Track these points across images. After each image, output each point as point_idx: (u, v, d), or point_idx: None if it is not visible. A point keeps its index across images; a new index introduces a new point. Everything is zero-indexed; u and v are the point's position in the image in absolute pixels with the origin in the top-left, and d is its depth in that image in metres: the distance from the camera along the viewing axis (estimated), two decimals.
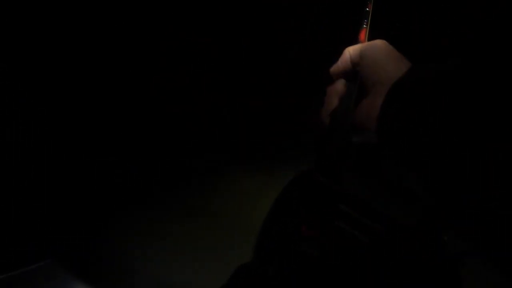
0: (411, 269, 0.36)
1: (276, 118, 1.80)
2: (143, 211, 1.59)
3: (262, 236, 0.40)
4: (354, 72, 0.55)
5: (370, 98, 0.49)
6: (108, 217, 1.48)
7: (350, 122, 0.51)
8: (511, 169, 0.32)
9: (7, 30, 1.50)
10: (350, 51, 0.55)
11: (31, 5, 1.49)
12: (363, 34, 0.58)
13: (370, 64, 0.50)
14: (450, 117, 0.35)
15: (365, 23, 0.58)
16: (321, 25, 1.68)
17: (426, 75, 0.40)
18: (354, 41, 0.59)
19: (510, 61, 0.34)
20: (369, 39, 0.57)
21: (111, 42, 1.66)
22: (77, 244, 1.37)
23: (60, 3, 1.53)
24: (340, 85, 0.55)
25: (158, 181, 1.69)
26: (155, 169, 1.71)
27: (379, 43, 0.52)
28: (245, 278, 0.38)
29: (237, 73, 1.75)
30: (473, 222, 0.35)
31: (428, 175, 0.38)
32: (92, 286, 1.33)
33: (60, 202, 1.51)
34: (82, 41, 1.63)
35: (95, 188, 1.57)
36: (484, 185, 0.34)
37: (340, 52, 0.57)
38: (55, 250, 1.33)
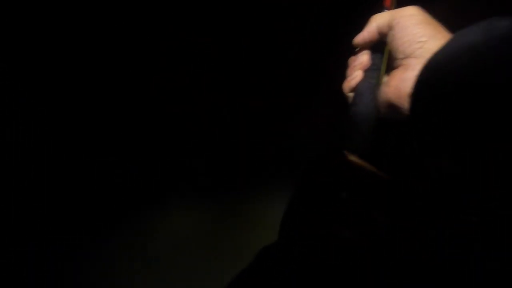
0: (411, 269, 0.35)
1: (276, 118, 1.79)
2: (143, 211, 1.58)
3: (290, 218, 0.37)
4: (381, 43, 0.50)
5: (400, 72, 0.44)
6: (108, 217, 1.48)
7: (375, 97, 0.47)
8: (511, 169, 0.32)
9: (7, 30, 1.50)
10: (378, 20, 0.50)
11: (31, 5, 1.49)
12: (389, 0, 0.52)
13: (401, 34, 0.45)
14: (456, 112, 0.33)
15: None
16: (321, 25, 1.68)
17: (467, 52, 0.35)
18: (379, 8, 0.52)
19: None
20: (396, 6, 0.51)
21: (111, 42, 1.65)
22: (77, 244, 1.36)
23: (60, 3, 1.52)
24: (364, 57, 0.51)
25: (158, 182, 1.68)
26: (155, 169, 1.71)
27: (412, 10, 0.46)
28: (272, 260, 0.35)
29: (237, 73, 1.74)
30: (473, 222, 0.34)
31: (453, 162, 0.34)
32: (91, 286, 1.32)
33: (60, 202, 1.51)
34: (82, 41, 1.62)
35: (95, 188, 1.57)
36: (484, 185, 0.33)
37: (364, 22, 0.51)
38: (55, 250, 1.33)
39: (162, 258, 1.39)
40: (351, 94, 0.50)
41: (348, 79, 0.50)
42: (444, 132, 0.34)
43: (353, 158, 0.40)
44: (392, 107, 0.45)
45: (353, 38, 0.52)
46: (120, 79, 1.67)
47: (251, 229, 1.41)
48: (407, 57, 0.43)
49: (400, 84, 0.43)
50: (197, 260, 1.39)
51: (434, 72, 0.37)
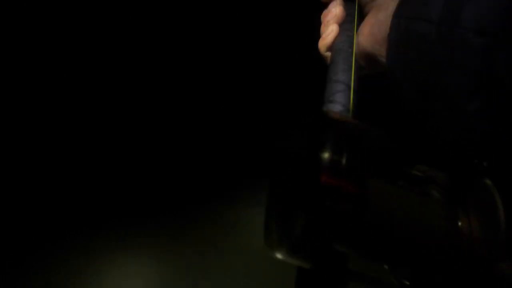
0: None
1: (276, 119, 1.75)
2: (145, 213, 1.55)
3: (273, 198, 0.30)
4: None
5: (372, 15, 0.39)
6: (108, 221, 1.45)
7: (354, 51, 0.40)
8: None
9: (7, 30, 1.50)
10: None
11: (32, 5, 1.48)
12: None
13: None
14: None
15: None
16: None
17: None
18: None
19: None
20: None
21: (113, 43, 1.64)
22: (75, 246, 1.34)
23: (60, 4, 1.52)
24: (337, 8, 0.43)
25: (157, 186, 1.65)
26: (155, 173, 1.67)
27: None
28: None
29: (236, 73, 1.72)
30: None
31: (456, 108, 0.29)
32: None
33: (59, 204, 1.49)
34: (84, 42, 1.62)
35: (95, 192, 1.55)
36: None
37: None
38: (54, 252, 1.31)
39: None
40: (328, 54, 0.43)
41: (323, 36, 0.43)
42: (432, 74, 0.29)
43: (337, 115, 0.33)
44: (369, 57, 0.39)
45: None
46: (119, 80, 1.66)
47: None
48: None
49: (374, 28, 0.37)
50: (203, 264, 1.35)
51: (415, 5, 0.31)
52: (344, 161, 0.27)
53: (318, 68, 0.45)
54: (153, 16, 1.61)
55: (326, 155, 0.27)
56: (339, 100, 0.38)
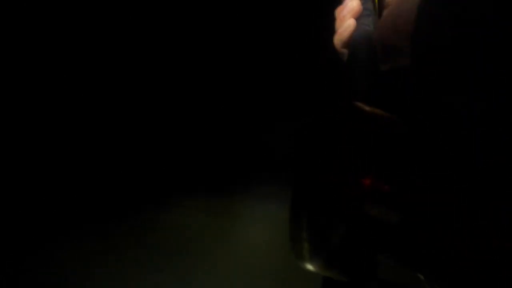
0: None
1: (276, 119, 1.74)
2: (146, 212, 1.56)
3: (299, 202, 0.26)
4: None
5: (393, 9, 0.37)
6: (114, 213, 1.46)
7: (373, 45, 0.38)
8: None
9: (7, 30, 1.45)
10: None
11: (32, 5, 1.45)
12: None
13: None
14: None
15: None
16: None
17: None
18: None
19: None
20: None
21: (112, 43, 1.61)
22: (77, 246, 1.34)
23: (60, 4, 1.48)
24: (354, 2, 0.42)
25: (157, 185, 1.65)
26: (154, 172, 1.67)
27: None
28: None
29: (237, 74, 1.71)
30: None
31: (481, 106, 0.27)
32: None
33: (60, 204, 1.48)
34: (84, 42, 1.58)
35: (94, 191, 1.54)
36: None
37: None
38: (54, 252, 1.29)
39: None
40: (345, 50, 0.41)
41: (339, 31, 0.41)
42: (459, 63, 0.28)
43: (366, 107, 0.30)
44: (390, 49, 0.37)
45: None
46: (119, 81, 1.65)
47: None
48: None
49: (396, 21, 0.36)
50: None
51: None
52: (388, 162, 0.24)
53: (331, 65, 0.42)
54: (152, 16, 1.60)
55: (369, 154, 0.24)
56: (360, 97, 0.35)
